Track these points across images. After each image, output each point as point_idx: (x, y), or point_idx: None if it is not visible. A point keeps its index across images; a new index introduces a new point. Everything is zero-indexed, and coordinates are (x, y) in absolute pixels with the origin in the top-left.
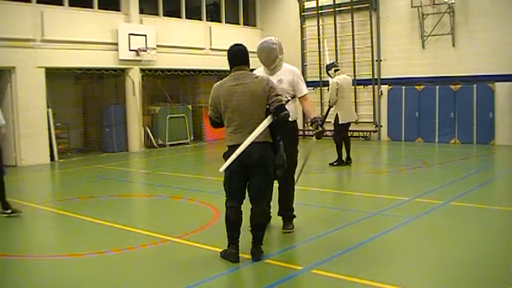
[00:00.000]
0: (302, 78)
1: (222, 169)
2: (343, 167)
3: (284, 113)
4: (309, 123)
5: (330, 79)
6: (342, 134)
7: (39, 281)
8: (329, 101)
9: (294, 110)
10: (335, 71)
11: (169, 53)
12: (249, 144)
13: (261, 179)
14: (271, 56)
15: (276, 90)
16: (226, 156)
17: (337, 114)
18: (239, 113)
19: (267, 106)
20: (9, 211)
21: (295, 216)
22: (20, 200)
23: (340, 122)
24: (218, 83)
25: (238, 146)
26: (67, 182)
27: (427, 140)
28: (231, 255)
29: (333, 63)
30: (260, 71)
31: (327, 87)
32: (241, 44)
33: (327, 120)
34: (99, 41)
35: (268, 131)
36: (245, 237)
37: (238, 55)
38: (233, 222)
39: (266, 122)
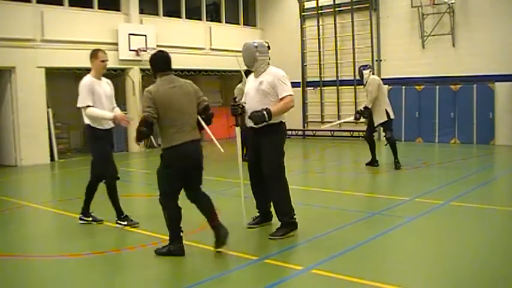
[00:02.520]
0: (285, 80)
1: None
2: (345, 167)
3: (211, 112)
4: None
5: (366, 78)
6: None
7: (39, 281)
8: (360, 111)
9: None
10: (370, 71)
11: (169, 53)
12: (193, 142)
13: (200, 174)
14: (249, 57)
15: (200, 91)
16: (173, 158)
17: (386, 110)
18: (181, 113)
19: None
20: (125, 222)
21: (291, 223)
22: (20, 200)
23: (391, 118)
24: (153, 86)
25: (184, 144)
26: (67, 182)
27: (427, 140)
28: (179, 249)
29: (369, 65)
30: (252, 75)
31: (360, 87)
32: (164, 51)
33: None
34: (99, 41)
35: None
36: (245, 237)
37: (167, 61)
38: (179, 217)
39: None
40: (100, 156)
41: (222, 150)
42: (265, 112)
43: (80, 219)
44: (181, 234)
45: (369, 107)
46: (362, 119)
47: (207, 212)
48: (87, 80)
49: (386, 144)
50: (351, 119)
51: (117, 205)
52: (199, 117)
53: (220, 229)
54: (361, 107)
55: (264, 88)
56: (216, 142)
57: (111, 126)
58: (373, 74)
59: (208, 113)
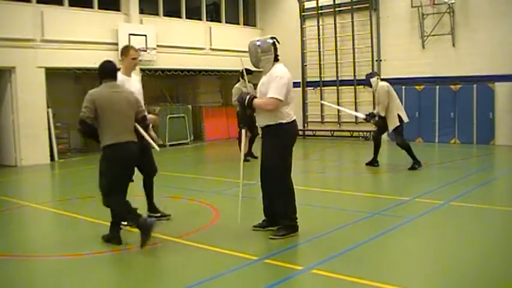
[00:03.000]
0: (279, 81)
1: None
2: (346, 167)
3: (147, 122)
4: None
5: (374, 86)
6: (403, 135)
7: (39, 281)
8: (373, 114)
9: (270, 114)
10: (377, 78)
11: (169, 53)
12: (131, 143)
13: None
14: (253, 57)
15: (140, 102)
16: (114, 154)
17: (399, 115)
18: (121, 115)
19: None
20: (158, 214)
21: (292, 226)
22: (20, 200)
23: (405, 121)
24: (94, 90)
25: (121, 144)
26: (67, 182)
27: (427, 140)
28: (116, 238)
29: (375, 71)
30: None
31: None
32: (112, 61)
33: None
34: (99, 41)
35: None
36: (245, 237)
37: (113, 70)
38: (130, 205)
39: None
40: None
41: (157, 148)
42: (247, 97)
43: (149, 216)
44: (137, 210)
45: (383, 115)
46: (372, 121)
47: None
48: (119, 79)
49: (402, 149)
50: (361, 116)
51: None
52: (137, 124)
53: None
54: (373, 111)
55: (262, 90)
56: (153, 144)
57: None
58: (381, 79)
59: (145, 123)
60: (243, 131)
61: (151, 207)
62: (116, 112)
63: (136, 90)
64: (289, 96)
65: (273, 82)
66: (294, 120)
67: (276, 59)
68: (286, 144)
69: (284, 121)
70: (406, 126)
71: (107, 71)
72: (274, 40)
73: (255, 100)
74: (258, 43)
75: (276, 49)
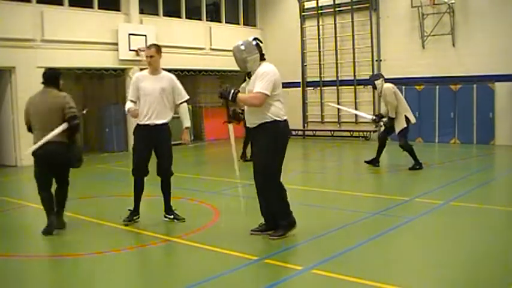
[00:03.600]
0: (265, 76)
1: (29, 151)
2: (344, 167)
3: (74, 122)
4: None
5: (379, 88)
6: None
7: (38, 281)
8: (381, 115)
9: (264, 111)
10: (382, 80)
11: (169, 53)
12: (53, 143)
13: (61, 170)
14: (239, 60)
15: (71, 104)
16: (36, 156)
17: (406, 116)
18: (40, 118)
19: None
20: (171, 216)
21: (287, 225)
22: (20, 200)
23: (412, 123)
24: (31, 96)
25: (45, 144)
26: None
27: (427, 140)
28: (54, 221)
29: (380, 73)
30: None
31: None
32: (54, 70)
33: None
34: (99, 41)
35: (66, 133)
36: (245, 237)
37: (49, 77)
38: (51, 201)
39: (61, 128)
40: (132, 150)
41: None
42: (232, 90)
43: (164, 216)
44: (53, 211)
45: (393, 116)
46: (381, 123)
47: (57, 203)
48: (135, 75)
49: (404, 151)
50: (368, 118)
51: (136, 202)
52: (68, 124)
53: (56, 219)
54: (381, 112)
55: (250, 88)
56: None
57: (153, 123)
58: (385, 81)
59: (72, 122)
60: (230, 126)
61: (166, 208)
62: (38, 115)
63: (157, 89)
64: (279, 93)
65: (258, 78)
66: (286, 120)
67: (262, 58)
68: (280, 143)
69: (279, 118)
70: None
71: (44, 78)
72: (257, 41)
73: (240, 95)
74: (242, 47)
75: (260, 49)
